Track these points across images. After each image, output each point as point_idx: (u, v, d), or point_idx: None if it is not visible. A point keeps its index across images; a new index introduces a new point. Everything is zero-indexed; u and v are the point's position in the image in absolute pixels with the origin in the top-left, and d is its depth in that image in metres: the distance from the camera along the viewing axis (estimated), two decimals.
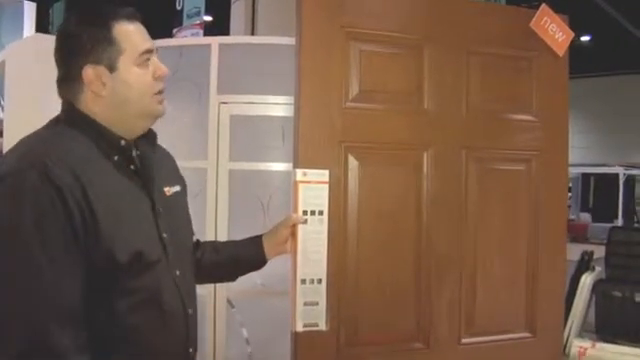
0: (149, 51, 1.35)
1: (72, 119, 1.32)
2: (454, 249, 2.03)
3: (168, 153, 1.60)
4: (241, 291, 2.75)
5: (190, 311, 1.43)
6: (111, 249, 1.22)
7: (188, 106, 3.05)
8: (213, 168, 2.79)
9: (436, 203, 2.00)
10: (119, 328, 1.27)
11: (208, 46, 3.00)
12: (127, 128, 1.35)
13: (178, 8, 6.01)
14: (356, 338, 1.90)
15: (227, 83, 3.00)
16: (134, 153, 1.36)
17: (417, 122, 1.98)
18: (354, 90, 1.90)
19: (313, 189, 1.79)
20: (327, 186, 1.79)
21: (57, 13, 12.01)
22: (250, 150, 2.96)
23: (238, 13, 5.36)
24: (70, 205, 1.16)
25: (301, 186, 1.77)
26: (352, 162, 1.91)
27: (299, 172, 1.77)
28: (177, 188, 1.52)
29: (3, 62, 3.98)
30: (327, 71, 1.86)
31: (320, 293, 1.77)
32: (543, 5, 2.09)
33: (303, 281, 1.75)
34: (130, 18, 1.34)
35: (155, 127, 1.47)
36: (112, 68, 1.30)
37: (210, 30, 6.19)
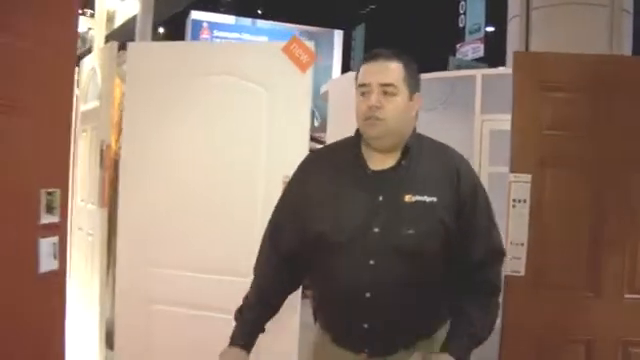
0: (362, 85, 1.69)
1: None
2: (621, 230, 2.75)
3: (449, 168, 1.73)
4: None
5: (368, 295, 1.63)
6: (305, 226, 1.74)
7: (458, 123, 4.17)
8: (476, 171, 3.77)
9: (607, 201, 2.77)
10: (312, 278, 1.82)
11: (473, 77, 4.09)
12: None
13: (461, 25, 6.70)
14: (544, 283, 2.77)
15: (488, 105, 4.04)
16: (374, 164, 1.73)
17: (596, 146, 2.77)
18: (548, 122, 2.79)
19: (520, 186, 2.82)
20: (529, 185, 2.79)
21: (358, 36, 13.34)
22: (505, 157, 3.96)
23: (513, 29, 5.90)
24: (294, 188, 1.85)
25: (512, 185, 2.81)
26: (548, 170, 2.80)
27: (511, 175, 2.81)
28: (427, 198, 1.65)
29: (326, 92, 5.18)
30: (530, 109, 2.80)
31: (522, 251, 2.78)
32: None
33: (512, 243, 2.77)
34: (368, 60, 1.71)
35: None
36: (356, 93, 1.75)
37: (490, 42, 6.73)
